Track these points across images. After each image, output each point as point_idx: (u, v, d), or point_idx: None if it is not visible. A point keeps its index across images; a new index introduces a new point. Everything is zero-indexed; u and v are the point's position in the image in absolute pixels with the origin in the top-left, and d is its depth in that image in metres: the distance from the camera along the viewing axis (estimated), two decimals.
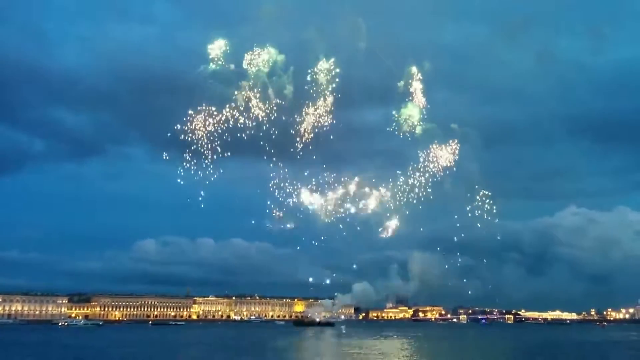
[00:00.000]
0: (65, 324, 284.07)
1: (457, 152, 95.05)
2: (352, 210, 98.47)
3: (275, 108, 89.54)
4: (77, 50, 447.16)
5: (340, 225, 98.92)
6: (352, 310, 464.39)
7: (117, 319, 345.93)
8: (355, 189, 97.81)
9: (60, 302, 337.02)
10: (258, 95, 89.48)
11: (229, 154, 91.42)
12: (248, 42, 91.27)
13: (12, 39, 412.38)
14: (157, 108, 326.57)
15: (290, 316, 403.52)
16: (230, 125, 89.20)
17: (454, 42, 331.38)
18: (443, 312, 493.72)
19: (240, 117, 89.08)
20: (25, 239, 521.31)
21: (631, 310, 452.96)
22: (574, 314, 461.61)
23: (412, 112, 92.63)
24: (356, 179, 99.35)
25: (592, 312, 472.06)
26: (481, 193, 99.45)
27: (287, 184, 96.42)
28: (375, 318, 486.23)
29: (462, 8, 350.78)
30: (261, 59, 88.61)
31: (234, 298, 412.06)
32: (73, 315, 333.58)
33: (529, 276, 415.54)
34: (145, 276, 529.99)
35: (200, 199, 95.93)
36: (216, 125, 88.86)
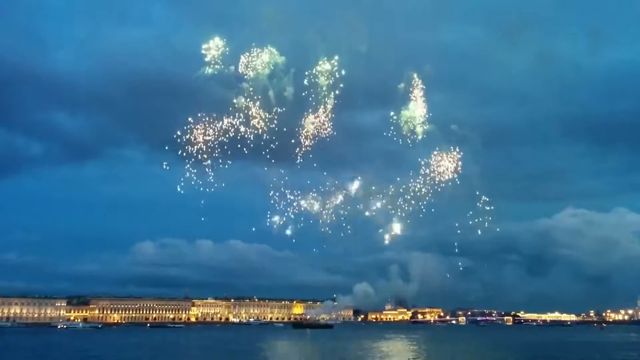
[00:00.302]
0: (65, 326, 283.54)
1: (459, 163, 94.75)
2: (352, 213, 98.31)
3: (276, 117, 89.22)
4: (75, 53, 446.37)
5: (342, 233, 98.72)
6: (351, 313, 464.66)
7: (115, 321, 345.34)
8: (355, 192, 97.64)
9: (59, 305, 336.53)
10: (258, 102, 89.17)
11: (228, 161, 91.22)
12: (247, 45, 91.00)
13: (9, 42, 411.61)
14: (154, 110, 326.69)
15: (289, 318, 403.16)
16: (231, 136, 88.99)
17: (451, 43, 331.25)
18: (442, 314, 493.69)
19: (241, 126, 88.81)
20: (23, 242, 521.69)
21: (630, 312, 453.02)
22: (573, 315, 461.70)
23: (413, 114, 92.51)
24: (356, 182, 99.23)
25: (591, 313, 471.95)
26: (482, 199, 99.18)
27: (287, 188, 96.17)
28: (374, 320, 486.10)
29: (460, 10, 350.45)
30: (260, 60, 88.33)
31: (232, 300, 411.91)
32: (72, 318, 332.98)
33: (527, 278, 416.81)
34: (144, 279, 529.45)
35: (201, 201, 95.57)
36: (216, 134, 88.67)
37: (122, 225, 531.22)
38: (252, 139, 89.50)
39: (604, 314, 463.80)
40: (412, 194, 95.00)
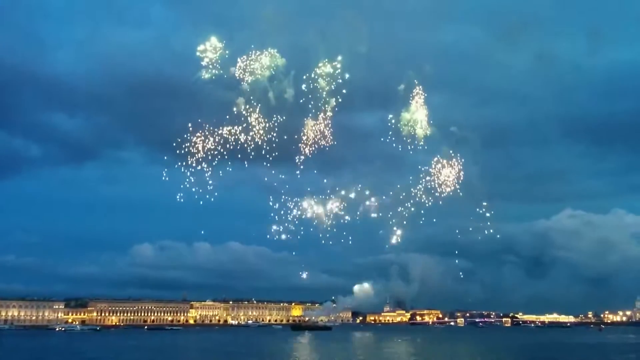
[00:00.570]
0: (63, 329, 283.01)
1: (461, 174, 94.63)
2: (352, 215, 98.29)
3: (276, 124, 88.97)
4: (74, 54, 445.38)
5: (341, 235, 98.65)
6: (349, 314, 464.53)
7: (113, 324, 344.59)
8: (355, 194, 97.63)
9: (57, 307, 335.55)
10: (258, 108, 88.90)
11: (229, 168, 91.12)
12: (247, 47, 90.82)
13: (8, 43, 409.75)
14: (154, 112, 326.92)
15: (288, 320, 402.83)
16: (231, 145, 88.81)
17: (451, 44, 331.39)
18: (440, 316, 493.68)
19: (241, 135, 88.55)
20: (21, 244, 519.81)
21: (628, 313, 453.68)
22: (571, 316, 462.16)
23: (413, 116, 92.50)
24: (356, 184, 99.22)
25: (590, 314, 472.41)
26: (483, 204, 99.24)
27: (286, 191, 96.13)
28: (372, 322, 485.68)
29: (459, 10, 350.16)
30: (260, 64, 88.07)
31: (231, 302, 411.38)
32: (70, 320, 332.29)
33: (526, 279, 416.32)
34: (142, 281, 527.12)
35: (200, 202, 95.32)
36: (215, 143, 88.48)
37: (120, 227, 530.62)
38: (252, 147, 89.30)
39: (602, 316, 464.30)
40: (412, 201, 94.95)
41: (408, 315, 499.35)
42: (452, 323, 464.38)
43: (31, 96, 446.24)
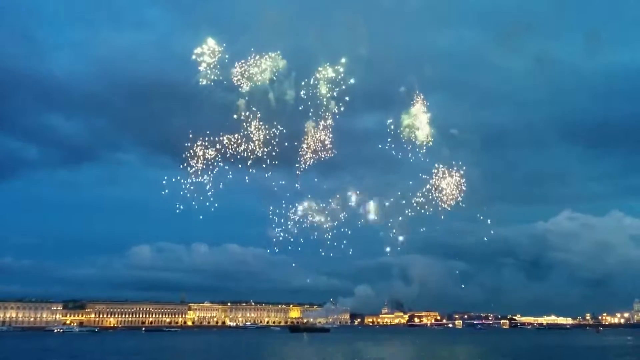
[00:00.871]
0: (61, 330, 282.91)
1: (463, 187, 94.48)
2: (351, 217, 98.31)
3: (277, 132, 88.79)
4: (71, 56, 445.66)
5: (341, 237, 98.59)
6: (347, 316, 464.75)
7: (111, 325, 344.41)
8: (355, 196, 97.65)
9: (55, 308, 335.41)
10: (258, 114, 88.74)
11: (229, 175, 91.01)
12: (246, 50, 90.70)
13: (6, 45, 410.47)
14: (151, 114, 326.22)
15: (286, 322, 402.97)
16: (230, 154, 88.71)
17: (449, 47, 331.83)
18: (438, 318, 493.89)
19: (241, 145, 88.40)
20: (19, 246, 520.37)
21: (626, 315, 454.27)
22: (569, 318, 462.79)
23: (413, 119, 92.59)
24: (356, 187, 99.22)
25: (588, 316, 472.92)
26: (483, 208, 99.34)
27: (286, 193, 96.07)
28: (370, 324, 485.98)
29: (457, 13, 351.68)
30: (259, 69, 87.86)
31: (229, 304, 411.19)
32: (68, 322, 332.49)
33: (524, 281, 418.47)
34: (140, 282, 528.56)
35: (196, 206, 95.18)
36: (215, 151, 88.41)
37: (118, 229, 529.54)
38: (252, 156, 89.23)
39: (600, 317, 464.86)
40: (412, 212, 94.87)
41: (406, 317, 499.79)
42: (450, 325, 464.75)
43: (29, 98, 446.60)
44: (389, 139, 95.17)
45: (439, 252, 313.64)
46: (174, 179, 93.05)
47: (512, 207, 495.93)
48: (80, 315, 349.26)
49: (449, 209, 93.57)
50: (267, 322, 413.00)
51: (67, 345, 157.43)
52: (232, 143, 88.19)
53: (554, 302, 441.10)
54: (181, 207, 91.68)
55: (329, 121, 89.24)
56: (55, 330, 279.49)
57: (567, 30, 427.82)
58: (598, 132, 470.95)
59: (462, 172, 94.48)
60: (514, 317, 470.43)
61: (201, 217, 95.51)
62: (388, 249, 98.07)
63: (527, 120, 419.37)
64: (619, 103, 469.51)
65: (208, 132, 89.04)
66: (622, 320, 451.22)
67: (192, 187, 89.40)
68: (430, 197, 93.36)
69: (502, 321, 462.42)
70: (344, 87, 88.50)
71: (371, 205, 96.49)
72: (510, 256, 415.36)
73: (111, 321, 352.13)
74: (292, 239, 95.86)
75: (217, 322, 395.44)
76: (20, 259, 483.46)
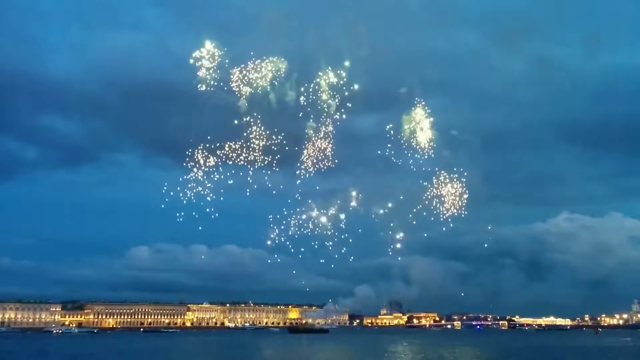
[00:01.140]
0: (60, 331, 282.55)
1: (465, 199, 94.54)
2: (351, 218, 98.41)
3: (278, 138, 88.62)
4: (69, 57, 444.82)
5: (340, 238, 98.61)
6: (346, 317, 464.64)
7: (110, 326, 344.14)
8: (354, 197, 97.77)
9: (54, 309, 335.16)
10: (258, 119, 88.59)
11: (228, 173, 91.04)
12: (245, 52, 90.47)
13: (3, 47, 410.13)
14: (150, 115, 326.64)
15: (285, 323, 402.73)
16: (231, 161, 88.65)
17: (449, 49, 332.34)
18: (437, 319, 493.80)
19: (242, 153, 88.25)
20: (17, 247, 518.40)
21: (625, 316, 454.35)
22: (568, 319, 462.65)
23: (414, 120, 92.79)
24: (356, 188, 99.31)
25: (586, 317, 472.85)
26: (483, 211, 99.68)
27: (285, 195, 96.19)
28: (369, 324, 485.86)
29: (456, 15, 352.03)
30: (259, 74, 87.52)
31: (228, 305, 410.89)
32: (66, 323, 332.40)
33: (522, 282, 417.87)
34: (139, 283, 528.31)
35: (194, 210, 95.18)
36: (217, 159, 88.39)
37: (117, 230, 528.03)
38: (252, 158, 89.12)
39: (598, 319, 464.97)
40: (413, 213, 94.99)
41: (405, 318, 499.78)
42: (449, 326, 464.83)
43: (28, 99, 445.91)
44: (389, 145, 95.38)
45: (438, 253, 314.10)
46: (173, 181, 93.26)
47: (511, 208, 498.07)
48: (79, 316, 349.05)
49: (450, 220, 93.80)
50: (266, 323, 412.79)
51: (66, 346, 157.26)
52: (233, 151, 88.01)
53: (552, 303, 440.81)
54: (182, 213, 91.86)
55: (330, 127, 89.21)
56: (54, 332, 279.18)
57: (567, 32, 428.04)
58: (597, 133, 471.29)
59: (463, 179, 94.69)
60: (513, 318, 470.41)
61: (200, 217, 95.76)
62: (389, 250, 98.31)
63: (526, 121, 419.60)
64: (618, 104, 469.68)
65: (209, 137, 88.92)
66: (621, 322, 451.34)
67: (192, 189, 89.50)
68: (432, 206, 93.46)
69: (500, 322, 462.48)
70: (346, 93, 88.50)
71: (371, 207, 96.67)
72: (509, 257, 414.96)
73: (110, 322, 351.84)
74: (291, 240, 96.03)
75: (215, 323, 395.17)
76: (19, 260, 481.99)
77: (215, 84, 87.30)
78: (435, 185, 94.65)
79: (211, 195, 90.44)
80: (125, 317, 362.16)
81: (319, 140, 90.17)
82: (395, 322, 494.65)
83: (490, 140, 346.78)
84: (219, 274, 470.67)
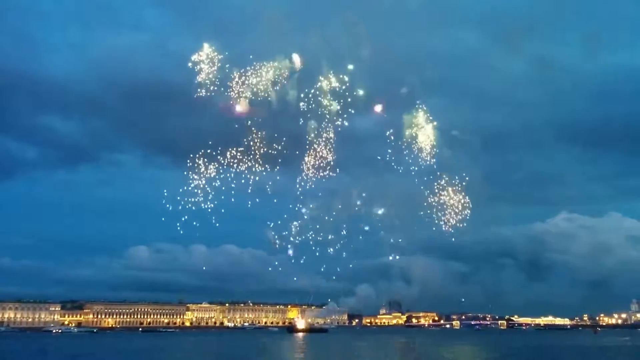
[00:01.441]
0: (60, 331, 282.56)
1: (468, 211, 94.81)
2: (351, 218, 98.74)
3: (280, 144, 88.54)
4: (68, 57, 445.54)
5: (340, 237, 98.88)
6: (345, 317, 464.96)
7: (110, 326, 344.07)
8: (354, 198, 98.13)
9: (53, 309, 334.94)
10: (260, 126, 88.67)
11: (228, 174, 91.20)
12: (246, 55, 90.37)
13: (3, 46, 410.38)
14: (149, 114, 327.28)
15: (284, 323, 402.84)
16: (233, 170, 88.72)
17: (449, 49, 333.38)
18: (436, 318, 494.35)
19: (242, 161, 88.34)
20: (17, 246, 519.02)
21: (624, 316, 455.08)
22: (566, 319, 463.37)
23: (415, 120, 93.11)
24: (356, 188, 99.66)
25: (585, 317, 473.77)
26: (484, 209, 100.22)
27: (284, 195, 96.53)
28: (368, 324, 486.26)
29: (457, 16, 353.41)
30: (262, 77, 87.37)
31: (227, 305, 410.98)
32: (66, 322, 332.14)
33: (521, 282, 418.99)
34: (138, 283, 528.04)
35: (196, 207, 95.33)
36: (217, 166, 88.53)
37: (116, 230, 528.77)
38: (253, 171, 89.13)
39: (597, 318, 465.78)
40: (415, 219, 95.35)
41: (404, 317, 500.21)
42: (448, 325, 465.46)
43: (26, 99, 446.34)
44: (389, 145, 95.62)
45: (437, 252, 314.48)
46: (173, 181, 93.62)
47: (510, 208, 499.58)
48: (78, 316, 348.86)
49: (451, 230, 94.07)
50: (265, 323, 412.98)
51: (66, 345, 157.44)
52: (234, 157, 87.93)
53: (551, 302, 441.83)
54: (184, 218, 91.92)
55: (331, 133, 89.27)
56: (54, 331, 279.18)
57: (567, 32, 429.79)
58: (596, 133, 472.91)
59: (464, 184, 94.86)
60: (512, 318, 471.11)
61: (199, 217, 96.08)
62: (389, 250, 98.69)
63: (525, 121, 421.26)
64: (618, 105, 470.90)
65: (210, 142, 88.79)
66: (620, 321, 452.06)
67: (193, 195, 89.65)
68: (434, 215, 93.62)
69: (499, 322, 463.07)
70: (349, 99, 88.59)
71: (372, 207, 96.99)
72: (508, 257, 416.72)
73: (109, 322, 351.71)
74: (291, 240, 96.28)
75: (215, 323, 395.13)
76: (19, 260, 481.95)
77: (215, 88, 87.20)
78: (437, 194, 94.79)
79: (211, 195, 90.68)
80: (125, 316, 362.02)
81: (321, 146, 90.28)
82: (394, 321, 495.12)
83: (490, 140, 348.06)
84: (218, 274, 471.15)
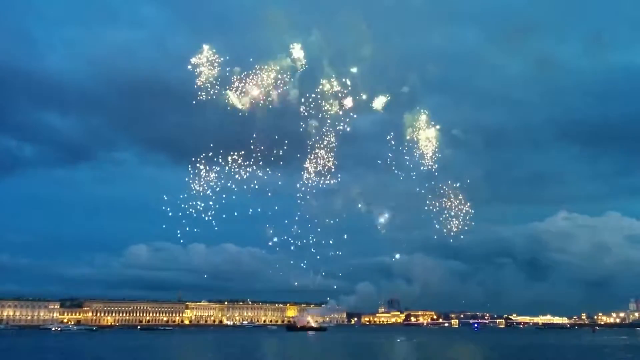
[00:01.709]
0: (59, 329, 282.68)
1: (469, 214, 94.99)
2: (351, 218, 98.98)
3: (281, 149, 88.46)
4: (66, 55, 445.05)
5: (339, 236, 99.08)
6: (344, 315, 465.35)
7: (109, 324, 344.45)
8: (355, 197, 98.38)
9: (52, 307, 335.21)
10: (261, 128, 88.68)
11: (228, 174, 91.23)
12: (246, 56, 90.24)
13: (1, 44, 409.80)
14: (147, 112, 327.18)
15: (283, 321, 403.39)
16: (233, 173, 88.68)
17: (449, 47, 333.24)
18: (435, 317, 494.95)
19: (243, 166, 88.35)
20: (15, 244, 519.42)
21: (622, 315, 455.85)
22: (565, 318, 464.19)
23: (416, 119, 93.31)
24: (356, 188, 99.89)
25: (583, 316, 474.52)
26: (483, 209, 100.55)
27: (284, 194, 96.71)
28: (367, 322, 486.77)
29: (458, 14, 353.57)
30: (262, 80, 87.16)
31: (226, 303, 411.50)
32: (65, 320, 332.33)
33: (520, 281, 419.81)
34: (137, 281, 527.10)
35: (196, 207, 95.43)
36: (218, 170, 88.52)
37: (115, 228, 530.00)
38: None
39: (595, 317, 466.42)
40: (417, 223, 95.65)
41: (402, 316, 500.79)
42: (447, 324, 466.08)
43: (24, 96, 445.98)
44: (390, 144, 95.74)
45: (437, 252, 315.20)
46: (172, 181, 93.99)
47: (509, 207, 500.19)
48: (77, 314, 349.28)
49: (453, 235, 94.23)
50: (264, 321, 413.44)
51: (65, 343, 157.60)
52: (235, 161, 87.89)
53: (550, 301, 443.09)
54: (184, 220, 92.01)
55: (333, 140, 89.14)
56: (53, 329, 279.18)
57: (567, 32, 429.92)
58: (595, 132, 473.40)
59: (465, 186, 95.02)
60: (510, 317, 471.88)
61: (199, 217, 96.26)
62: (388, 249, 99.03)
63: (525, 120, 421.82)
64: (616, 104, 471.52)
65: (211, 145, 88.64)
66: (618, 320, 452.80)
67: (193, 197, 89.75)
68: (435, 221, 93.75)
69: (498, 321, 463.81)
70: (352, 103, 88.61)
71: (371, 206, 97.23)
72: (507, 256, 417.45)
73: (108, 320, 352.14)
74: (291, 240, 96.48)
75: (214, 321, 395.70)
76: (17, 258, 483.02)
77: (215, 91, 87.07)
78: (438, 198, 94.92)
79: (211, 195, 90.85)
80: (124, 314, 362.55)
81: (322, 150, 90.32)
82: (393, 320, 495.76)
83: (489, 139, 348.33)
84: (218, 273, 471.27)
